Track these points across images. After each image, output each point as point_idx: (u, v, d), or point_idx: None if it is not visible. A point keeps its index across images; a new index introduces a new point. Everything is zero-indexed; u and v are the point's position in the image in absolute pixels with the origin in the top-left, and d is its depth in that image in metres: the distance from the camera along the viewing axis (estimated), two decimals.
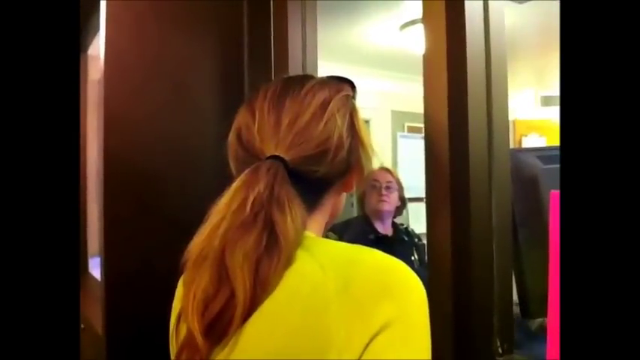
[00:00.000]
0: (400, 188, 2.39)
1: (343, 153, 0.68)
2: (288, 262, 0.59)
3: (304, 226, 0.64)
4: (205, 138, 1.25)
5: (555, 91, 4.76)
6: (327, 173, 0.68)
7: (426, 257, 1.13)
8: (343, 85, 0.74)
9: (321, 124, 0.67)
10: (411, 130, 4.63)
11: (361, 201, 2.37)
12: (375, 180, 2.33)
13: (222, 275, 0.59)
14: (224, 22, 1.32)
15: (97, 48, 1.20)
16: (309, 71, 1.29)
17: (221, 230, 0.61)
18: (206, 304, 0.58)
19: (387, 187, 2.32)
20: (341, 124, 0.68)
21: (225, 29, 1.31)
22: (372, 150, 0.73)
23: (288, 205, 0.62)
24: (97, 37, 1.29)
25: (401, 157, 4.55)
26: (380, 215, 2.31)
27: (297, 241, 0.61)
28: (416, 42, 3.03)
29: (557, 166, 0.56)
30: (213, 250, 0.60)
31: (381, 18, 3.16)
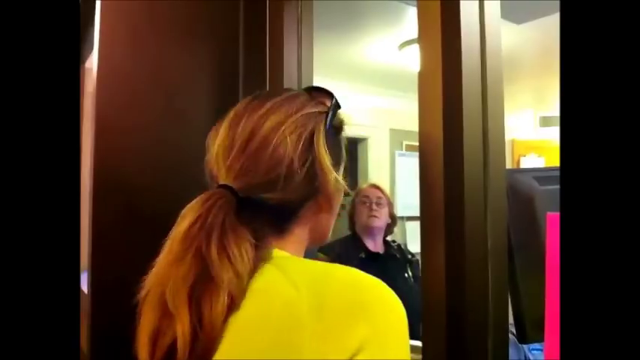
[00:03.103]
0: (390, 205, 2.38)
1: (297, 178, 0.65)
2: (234, 298, 0.57)
3: (257, 253, 0.61)
4: (198, 152, 1.24)
5: (554, 111, 4.78)
6: (284, 199, 0.65)
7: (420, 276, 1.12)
8: (318, 98, 0.71)
9: (269, 150, 0.64)
10: (410, 148, 4.63)
11: (351, 219, 2.36)
12: (365, 196, 2.33)
13: (165, 314, 0.58)
14: (219, 35, 1.31)
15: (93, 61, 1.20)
16: (304, 85, 1.29)
17: (159, 267, 0.61)
18: (154, 343, 0.58)
19: (378, 203, 2.31)
20: (292, 149, 0.65)
21: (221, 43, 1.31)
22: (331, 172, 0.68)
23: (218, 237, 0.59)
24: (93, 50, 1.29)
25: (399, 175, 4.55)
26: (371, 232, 2.29)
27: (236, 271, 0.58)
28: (415, 61, 3.04)
29: (554, 187, 0.55)
30: (155, 287, 0.60)
31: (380, 37, 3.18)
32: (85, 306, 1.14)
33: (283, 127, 0.66)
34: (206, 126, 1.29)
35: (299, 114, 0.68)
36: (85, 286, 1.18)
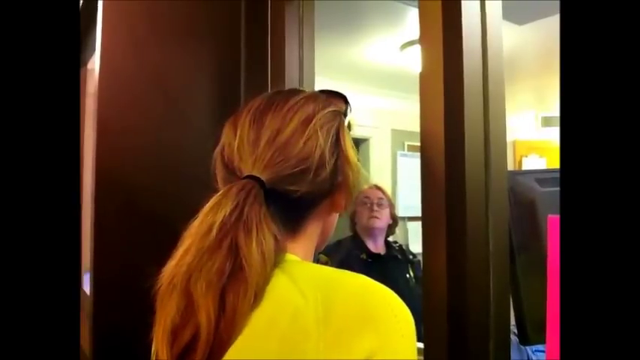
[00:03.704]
0: (391, 205, 2.38)
1: (326, 172, 0.66)
2: (257, 294, 0.56)
3: (278, 250, 0.61)
4: (199, 153, 1.24)
5: (555, 112, 4.77)
6: (309, 193, 0.65)
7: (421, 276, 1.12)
8: (333, 100, 0.73)
9: (301, 142, 0.65)
10: (411, 148, 4.63)
11: (352, 220, 2.36)
12: (366, 197, 2.33)
13: (188, 305, 0.56)
14: (221, 36, 1.32)
15: (95, 62, 1.20)
16: (305, 87, 1.29)
17: (188, 256, 0.58)
18: (174, 335, 0.56)
19: (379, 204, 2.31)
20: (323, 141, 0.66)
21: (222, 44, 1.31)
22: (359, 168, 0.71)
23: (256, 228, 0.58)
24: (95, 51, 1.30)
25: (401, 175, 4.55)
26: (372, 233, 2.28)
27: (265, 268, 0.58)
28: (416, 61, 3.03)
29: (555, 189, 0.55)
30: (180, 277, 0.58)
31: (381, 37, 3.18)
32: (87, 307, 1.14)
33: (314, 121, 0.67)
34: (207, 127, 1.30)
35: (326, 110, 0.69)
36: (87, 287, 1.18)
